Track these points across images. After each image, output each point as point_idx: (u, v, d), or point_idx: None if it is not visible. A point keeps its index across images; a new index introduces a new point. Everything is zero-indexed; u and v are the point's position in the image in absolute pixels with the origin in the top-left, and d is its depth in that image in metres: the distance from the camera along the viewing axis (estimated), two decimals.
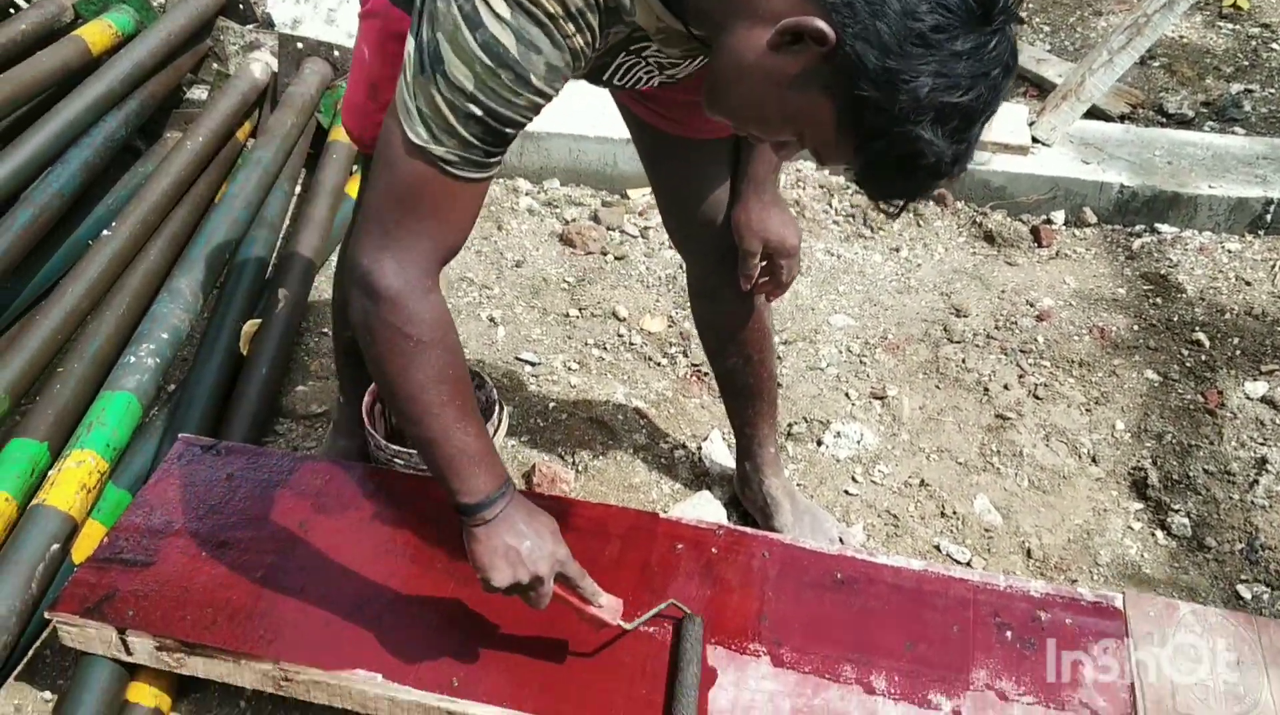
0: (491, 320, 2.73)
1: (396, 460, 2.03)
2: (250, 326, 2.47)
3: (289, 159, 3.02)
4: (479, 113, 1.24)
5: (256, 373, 2.35)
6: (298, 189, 3.08)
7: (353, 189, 3.00)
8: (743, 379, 2.09)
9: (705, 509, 2.22)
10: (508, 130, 1.28)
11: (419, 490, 1.97)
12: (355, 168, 3.09)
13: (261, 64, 3.22)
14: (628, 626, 1.68)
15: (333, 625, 1.75)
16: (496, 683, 1.69)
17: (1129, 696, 1.72)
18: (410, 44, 1.26)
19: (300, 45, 3.21)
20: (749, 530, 2.01)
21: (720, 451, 2.38)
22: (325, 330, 2.66)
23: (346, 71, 3.15)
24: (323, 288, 2.79)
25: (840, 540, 2.16)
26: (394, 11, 1.60)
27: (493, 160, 1.32)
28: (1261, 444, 2.51)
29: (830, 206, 3.15)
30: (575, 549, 1.84)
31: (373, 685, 1.68)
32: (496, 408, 2.09)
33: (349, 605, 1.78)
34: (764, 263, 1.87)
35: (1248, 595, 2.19)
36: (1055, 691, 1.72)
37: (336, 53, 3.22)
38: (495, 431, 2.07)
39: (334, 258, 2.85)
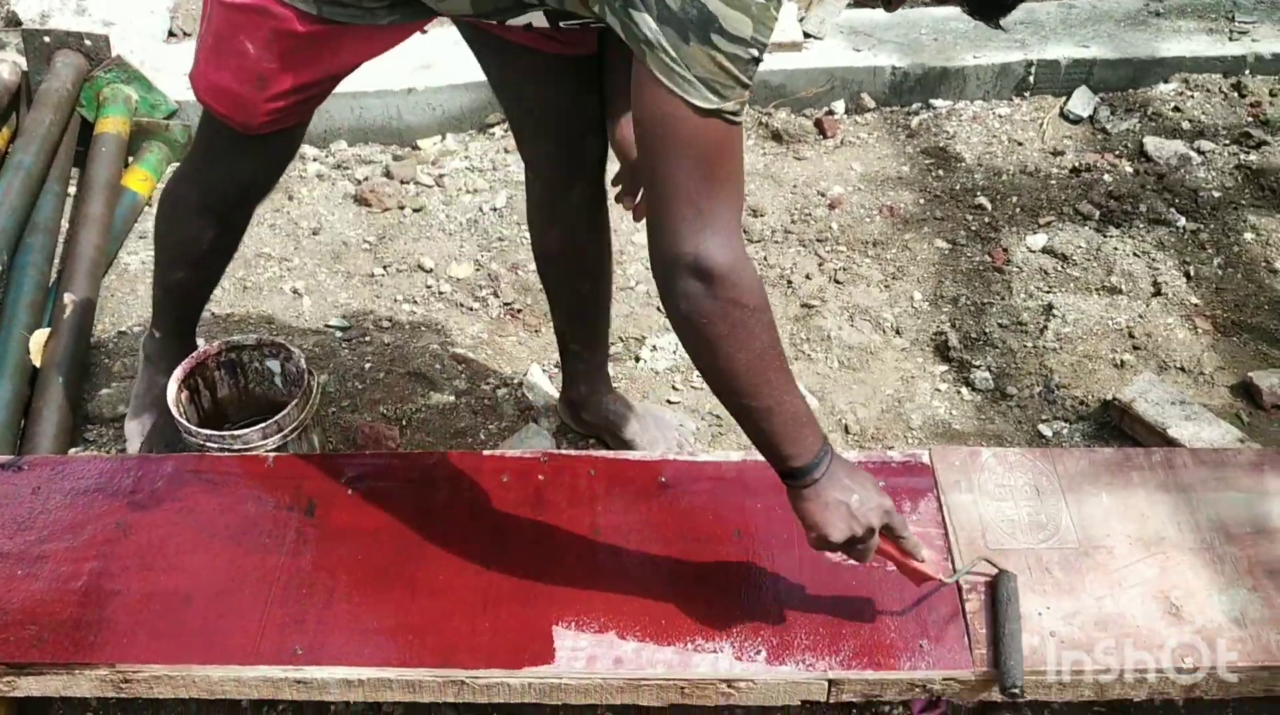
0: (295, 292, 2.69)
1: (209, 444, 2.00)
2: (39, 336, 2.38)
3: (55, 159, 2.89)
4: (757, 53, 1.29)
5: (53, 382, 2.27)
6: (71, 189, 2.95)
7: (130, 181, 2.90)
8: (591, 302, 2.13)
9: (533, 442, 2.25)
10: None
11: (233, 471, 1.95)
12: (130, 159, 2.97)
13: (9, 64, 3.06)
14: (946, 580, 1.70)
15: (166, 619, 1.72)
16: (341, 643, 1.69)
17: (944, 542, 1.83)
18: (648, 25, 1.29)
19: (47, 39, 3.05)
20: (572, 452, 2.05)
21: (542, 383, 2.41)
22: (123, 328, 2.57)
23: (101, 61, 3.03)
24: (114, 286, 2.69)
25: (683, 425, 2.27)
26: (283, 10, 1.61)
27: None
28: (1047, 292, 2.66)
29: None
30: (403, 499, 1.86)
31: (215, 670, 1.67)
32: (306, 378, 2.07)
33: (179, 596, 1.75)
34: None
35: (1049, 433, 2.34)
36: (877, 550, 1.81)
37: (89, 42, 3.07)
38: (309, 404, 2.05)
39: (140, 226, 2.77)
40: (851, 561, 1.68)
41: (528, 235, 2.75)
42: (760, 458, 1.93)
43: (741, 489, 1.91)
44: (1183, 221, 2.84)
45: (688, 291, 1.38)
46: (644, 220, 1.90)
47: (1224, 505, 1.89)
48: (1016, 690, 1.61)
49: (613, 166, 1.90)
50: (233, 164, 1.90)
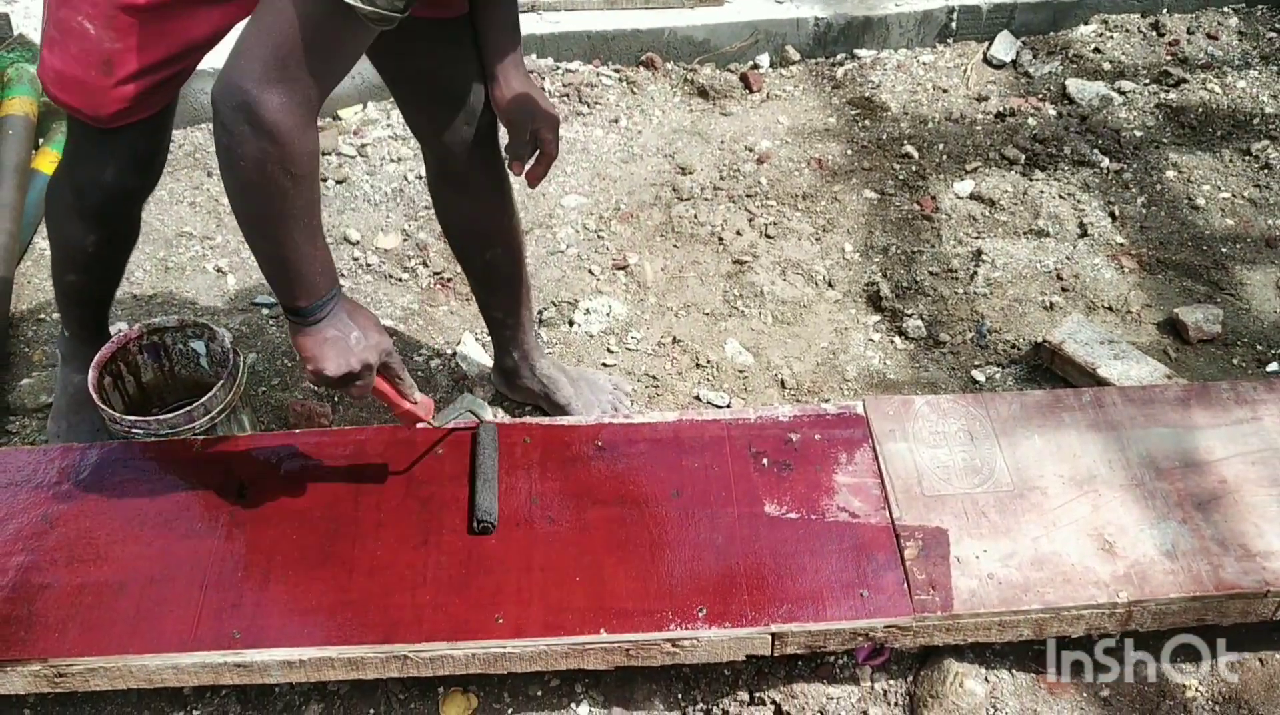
0: (219, 271, 2.63)
1: (135, 430, 1.95)
2: None
3: None
4: None
5: None
6: None
7: (41, 163, 2.80)
8: (504, 269, 2.08)
9: (467, 412, 2.22)
10: None
11: (160, 456, 1.91)
12: (40, 141, 2.88)
13: None
14: (436, 424, 1.80)
15: (98, 609, 1.69)
16: (280, 625, 1.67)
17: (881, 491, 1.84)
18: None
19: None
20: (507, 421, 2.03)
21: (475, 352, 2.38)
22: (42, 317, 2.50)
23: (2, 40, 2.93)
24: (29, 273, 2.62)
25: (618, 388, 2.27)
26: None
27: (403, 14, 1.36)
28: (976, 238, 2.68)
29: (544, 89, 3.13)
30: (336, 476, 1.84)
31: (152, 659, 1.64)
32: (232, 357, 2.03)
33: (111, 586, 1.72)
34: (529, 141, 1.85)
35: (982, 378, 2.36)
36: (814, 502, 1.82)
37: None
38: (235, 384, 2.01)
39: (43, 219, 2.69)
40: (790, 515, 1.69)
41: None
42: (696, 417, 1.94)
43: (678, 449, 1.91)
44: (1106, 162, 2.87)
45: (239, 132, 1.37)
46: (539, 184, 1.89)
47: (1153, 441, 1.92)
48: (487, 522, 1.77)
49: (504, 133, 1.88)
50: (98, 165, 1.79)
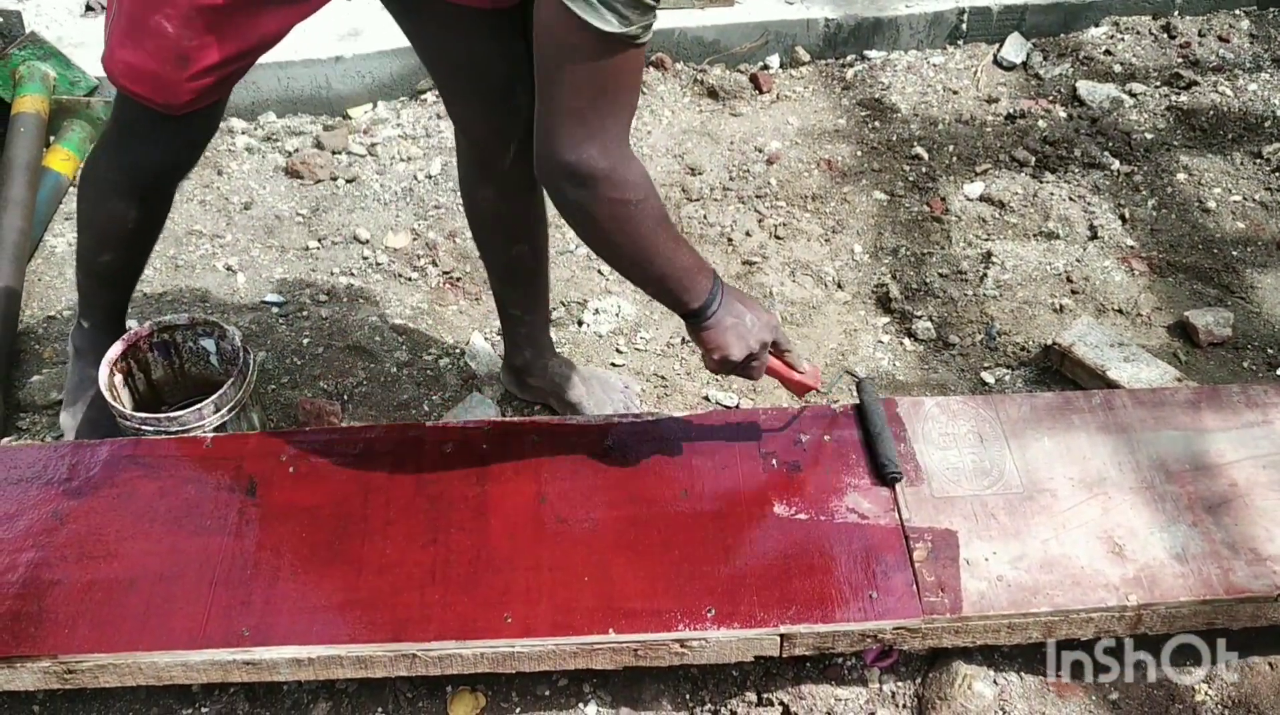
0: (229, 269, 2.64)
1: (145, 427, 1.95)
2: None
3: None
4: None
5: None
6: None
7: (52, 161, 2.81)
8: (528, 265, 2.09)
9: (477, 411, 2.23)
10: None
11: (170, 453, 1.91)
12: (51, 139, 2.89)
13: None
14: (822, 390, 1.92)
15: (108, 606, 1.69)
16: (289, 623, 1.67)
17: (890, 493, 1.84)
18: None
19: None
20: (516, 419, 2.03)
21: (484, 352, 2.38)
22: (52, 313, 2.51)
23: (15, 38, 2.93)
24: (40, 270, 2.62)
25: (628, 387, 2.28)
26: None
27: (656, 7, 1.39)
28: (986, 240, 2.67)
29: None
30: (346, 474, 1.84)
31: (161, 656, 1.64)
32: (242, 355, 2.03)
33: (121, 583, 1.72)
34: None
35: (991, 380, 2.35)
36: (823, 504, 1.82)
37: (0, 19, 2.98)
38: (245, 382, 2.02)
39: (65, 208, 2.69)
40: (799, 516, 1.69)
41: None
42: (705, 417, 1.94)
43: (687, 448, 1.91)
44: (1117, 164, 2.86)
45: (569, 195, 1.49)
46: None
47: (1163, 444, 1.92)
48: (898, 475, 1.83)
49: None
50: (152, 145, 1.83)
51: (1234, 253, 2.62)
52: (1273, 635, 1.80)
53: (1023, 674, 1.80)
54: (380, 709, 1.79)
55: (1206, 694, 1.79)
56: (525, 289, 2.14)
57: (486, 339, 2.43)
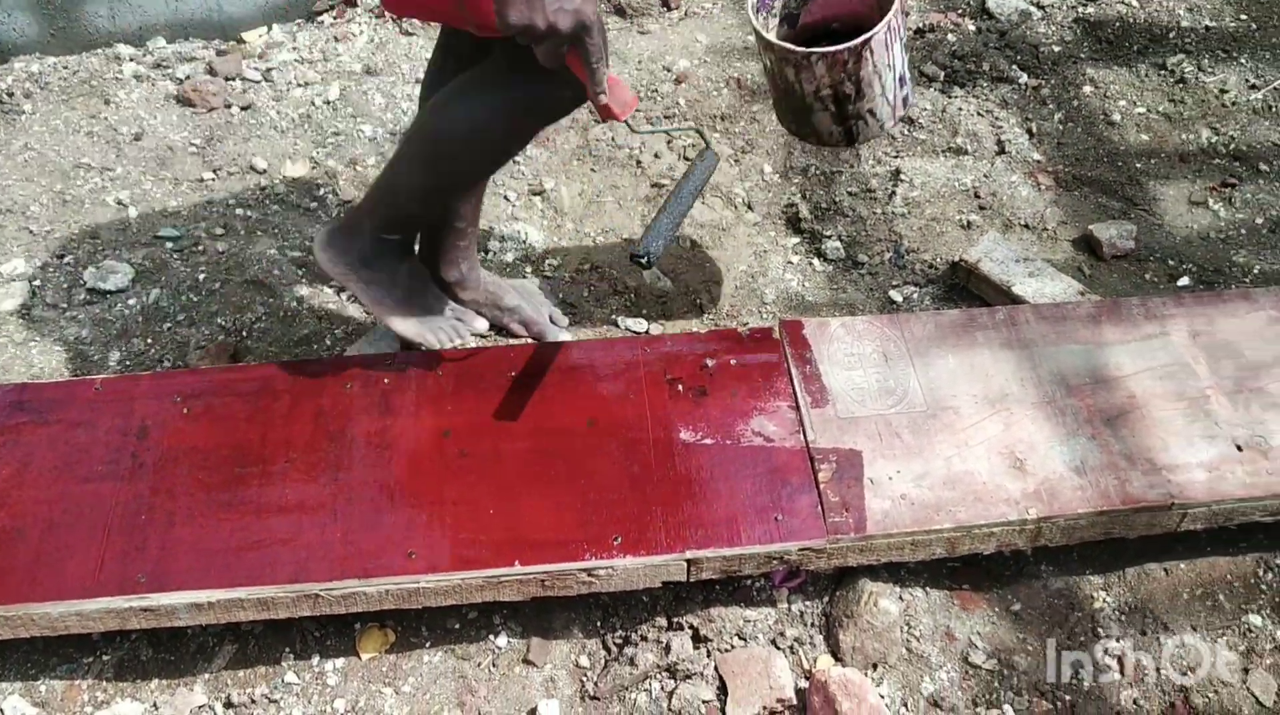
0: (120, 203, 2.53)
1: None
2: None
3: None
4: None
5: None
6: None
7: None
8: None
9: (382, 343, 2.18)
10: None
11: (58, 397, 1.85)
12: None
13: None
14: (634, 126, 1.66)
15: None
16: (187, 567, 1.63)
17: (796, 415, 1.84)
18: None
19: None
20: (418, 352, 1.99)
21: None
22: None
23: None
24: None
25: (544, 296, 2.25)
26: None
27: None
28: (894, 157, 2.66)
29: None
30: (242, 414, 1.79)
31: (54, 606, 1.60)
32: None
33: (9, 533, 1.67)
34: None
35: (900, 298, 2.35)
36: (729, 428, 1.81)
37: None
38: None
39: None
40: (705, 441, 1.68)
41: (365, 129, 2.66)
42: (611, 344, 1.92)
43: (593, 377, 1.89)
44: (1024, 78, 2.85)
45: None
46: None
47: (1064, 358, 1.94)
48: (642, 257, 1.62)
49: None
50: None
51: (1138, 165, 2.64)
52: (1168, 542, 1.85)
53: (928, 589, 1.83)
54: (288, 648, 1.77)
55: (1105, 600, 1.84)
56: (476, 198, 2.07)
57: None
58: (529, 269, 2.39)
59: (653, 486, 1.74)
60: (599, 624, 1.81)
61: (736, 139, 2.71)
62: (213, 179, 2.60)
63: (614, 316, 2.29)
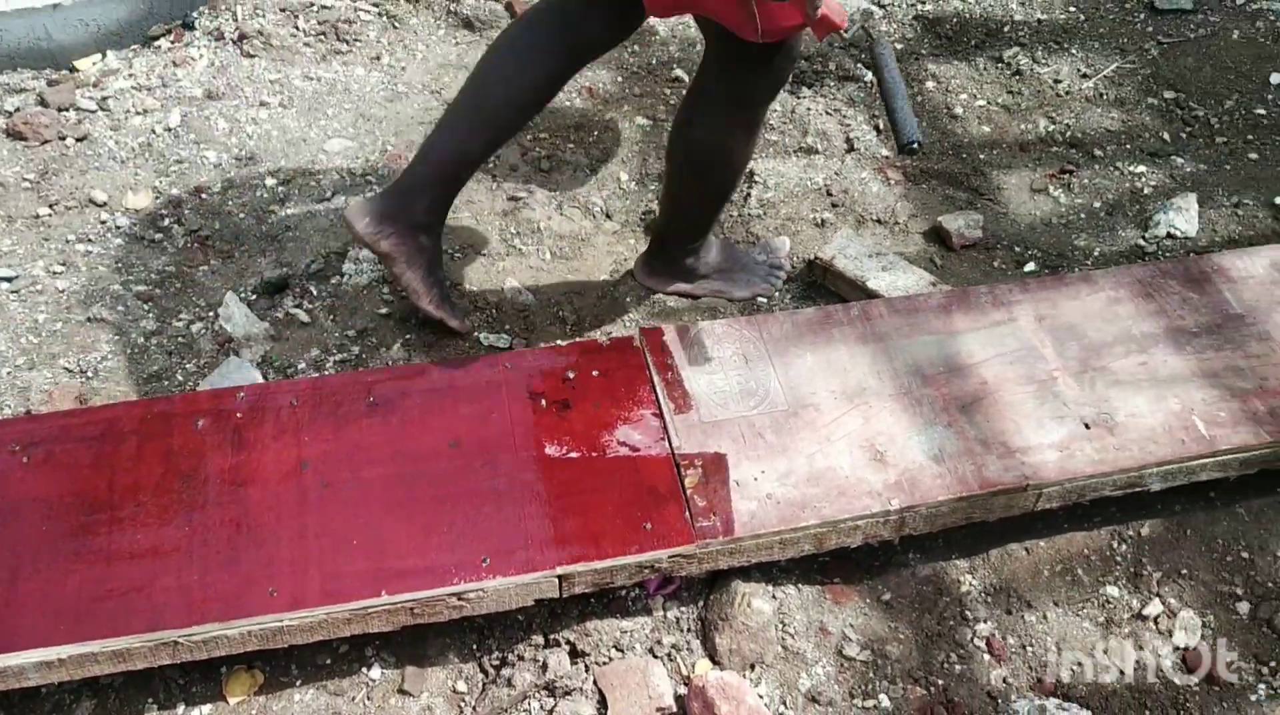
0: None
1: None
2: None
3: None
4: None
5: None
6: None
7: None
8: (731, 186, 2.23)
9: (235, 376, 2.11)
10: None
11: None
12: None
13: None
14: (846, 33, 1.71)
15: None
16: (34, 624, 1.56)
17: (660, 422, 1.84)
18: None
19: None
20: (271, 383, 1.94)
21: (239, 313, 2.26)
22: None
23: None
24: None
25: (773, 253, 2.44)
26: None
27: None
28: (752, 159, 2.68)
29: (298, 28, 2.97)
30: (87, 459, 1.72)
31: None
32: None
33: None
34: None
35: (763, 300, 2.38)
36: (594, 440, 1.81)
37: None
38: None
39: None
40: (571, 455, 1.67)
41: (209, 155, 2.59)
42: (471, 362, 1.89)
43: (454, 397, 1.86)
44: (869, 76, 2.91)
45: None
46: None
47: (918, 349, 1.98)
48: (914, 145, 1.70)
49: None
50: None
51: (981, 156, 2.72)
52: (1027, 521, 1.90)
53: (800, 585, 1.85)
54: (151, 699, 1.70)
55: (971, 584, 1.88)
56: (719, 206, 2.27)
57: (242, 299, 2.30)
58: (386, 289, 2.34)
59: (520, 504, 1.72)
60: (475, 647, 1.78)
61: (592, 148, 2.71)
62: (49, 214, 2.49)
63: (476, 333, 2.27)
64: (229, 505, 1.70)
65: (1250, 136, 2.78)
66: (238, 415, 1.83)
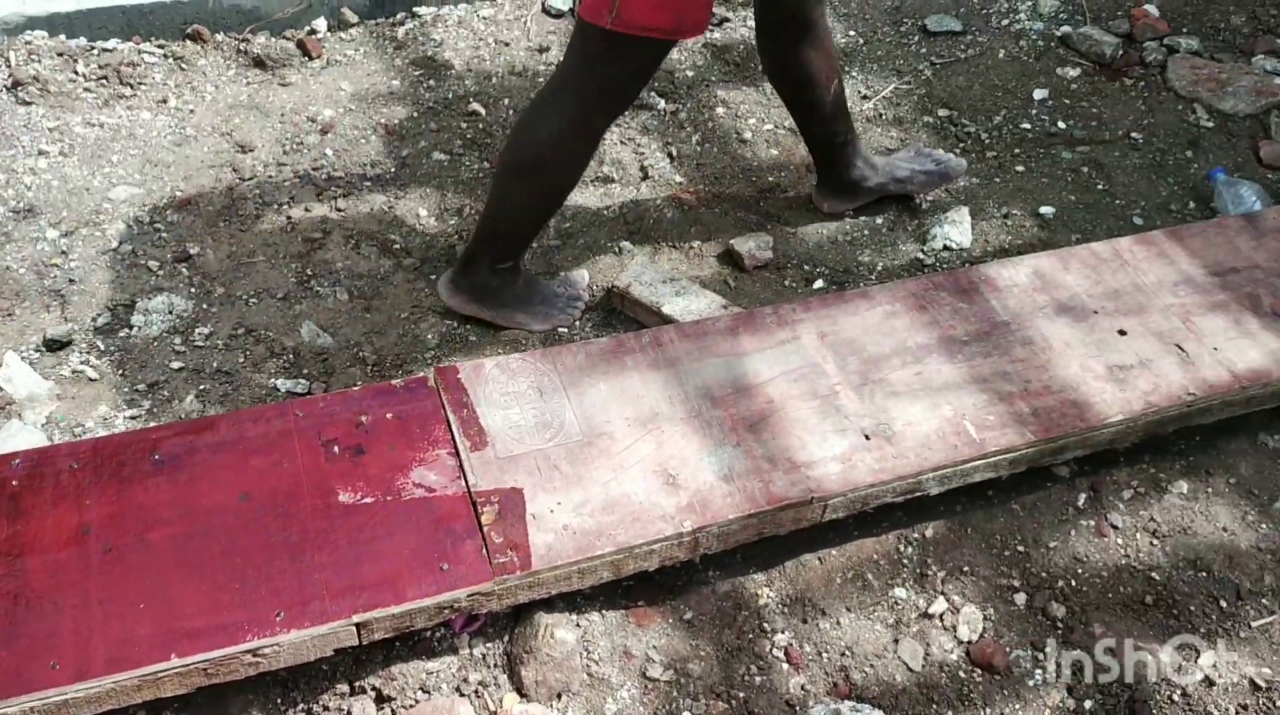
0: None
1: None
2: None
3: None
4: None
5: None
6: None
7: None
8: (841, 92, 2.55)
9: (18, 439, 2.04)
10: None
11: None
12: None
13: None
14: None
15: None
16: None
17: (456, 461, 1.85)
18: None
19: None
20: (50, 446, 1.87)
21: (20, 374, 2.18)
22: None
23: None
24: None
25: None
26: None
27: None
28: None
29: (77, 73, 2.88)
30: None
31: None
32: None
33: None
34: None
35: (563, 330, 2.41)
36: (389, 484, 1.81)
37: None
38: None
39: None
40: (365, 500, 1.67)
41: None
42: (261, 412, 1.87)
43: (243, 449, 1.84)
44: (662, 104, 2.99)
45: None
46: None
47: (708, 372, 2.04)
48: None
49: None
50: (640, 82, 2.14)
51: (770, 179, 2.82)
52: (818, 532, 1.98)
53: (604, 611, 1.89)
54: None
55: (769, 596, 1.95)
56: (842, 114, 2.55)
57: (24, 358, 2.22)
58: (178, 340, 2.29)
59: (314, 554, 1.71)
60: (279, 700, 1.76)
61: (389, 186, 2.71)
62: None
63: (273, 380, 2.24)
64: (5, 578, 1.64)
65: (1017, 150, 2.96)
66: (14, 482, 1.76)
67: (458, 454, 1.86)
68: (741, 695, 1.82)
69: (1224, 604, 1.97)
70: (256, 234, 2.55)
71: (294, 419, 1.89)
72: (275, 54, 3.03)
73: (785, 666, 1.86)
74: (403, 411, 1.92)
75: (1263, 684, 1.87)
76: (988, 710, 1.82)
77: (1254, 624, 1.95)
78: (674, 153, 2.85)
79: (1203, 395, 2.07)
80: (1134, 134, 3.02)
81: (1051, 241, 2.66)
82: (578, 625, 1.85)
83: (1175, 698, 1.85)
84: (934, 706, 1.83)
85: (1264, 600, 1.98)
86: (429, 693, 1.76)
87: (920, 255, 2.64)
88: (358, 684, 1.77)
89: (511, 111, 2.93)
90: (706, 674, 1.84)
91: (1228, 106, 3.08)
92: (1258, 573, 2.02)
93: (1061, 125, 3.04)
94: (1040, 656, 1.90)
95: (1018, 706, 1.83)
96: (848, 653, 1.88)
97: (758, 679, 1.84)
